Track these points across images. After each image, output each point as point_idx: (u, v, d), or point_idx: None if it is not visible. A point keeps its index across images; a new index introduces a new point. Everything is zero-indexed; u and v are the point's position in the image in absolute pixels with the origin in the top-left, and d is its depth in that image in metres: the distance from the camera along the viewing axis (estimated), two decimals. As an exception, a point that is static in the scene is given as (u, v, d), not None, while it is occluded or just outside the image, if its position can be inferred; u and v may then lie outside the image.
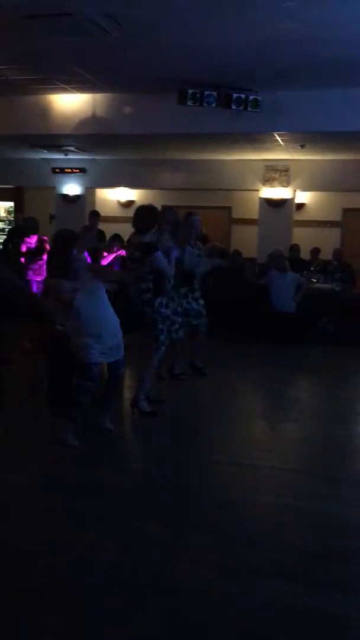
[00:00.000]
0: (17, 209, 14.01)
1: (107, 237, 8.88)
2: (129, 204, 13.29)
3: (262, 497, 3.62)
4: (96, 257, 7.67)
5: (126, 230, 6.34)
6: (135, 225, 5.06)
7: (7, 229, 12.30)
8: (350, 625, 2.45)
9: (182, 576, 2.75)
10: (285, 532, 3.21)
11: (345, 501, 3.62)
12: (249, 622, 2.44)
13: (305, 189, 11.90)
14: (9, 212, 14.63)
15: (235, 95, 7.28)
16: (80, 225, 9.14)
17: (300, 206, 12.50)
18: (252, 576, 2.77)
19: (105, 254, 7.99)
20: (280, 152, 10.32)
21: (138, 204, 12.07)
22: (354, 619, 2.48)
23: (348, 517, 3.40)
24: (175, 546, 3.01)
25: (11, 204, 14.45)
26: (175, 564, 2.85)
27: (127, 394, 5.47)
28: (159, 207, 5.51)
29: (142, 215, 5.06)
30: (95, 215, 10.09)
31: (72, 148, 10.66)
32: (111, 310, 4.37)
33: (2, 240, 10.63)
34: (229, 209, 13.15)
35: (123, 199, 13.47)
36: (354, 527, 3.29)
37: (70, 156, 11.60)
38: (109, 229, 9.58)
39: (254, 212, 11.88)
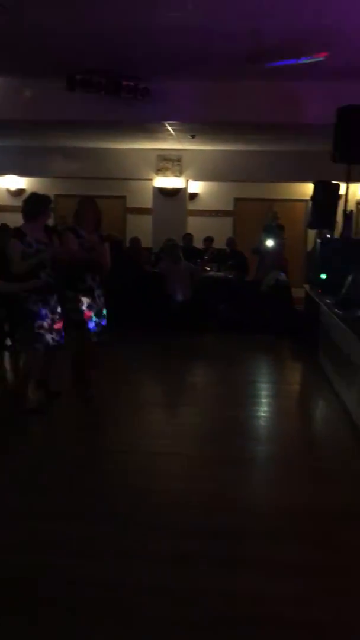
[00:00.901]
0: None
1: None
2: (20, 192, 12.86)
3: (161, 483, 3.68)
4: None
5: (17, 221, 6.13)
6: (22, 212, 4.95)
7: None
8: (239, 600, 2.55)
9: (82, 567, 2.74)
10: (183, 515, 3.27)
11: (241, 481, 3.76)
12: (143, 607, 2.48)
13: (198, 178, 12.09)
14: None
15: (124, 83, 7.23)
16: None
17: (194, 196, 12.69)
18: (150, 561, 2.81)
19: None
20: (172, 142, 10.40)
21: (29, 192, 11.71)
22: (249, 593, 2.59)
23: (244, 497, 3.53)
24: (75, 538, 2.99)
25: None
26: (76, 557, 2.83)
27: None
28: (52, 196, 5.37)
29: (30, 203, 4.94)
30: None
31: None
32: None
33: None
34: (123, 198, 13.10)
35: (13, 188, 13.01)
36: (249, 506, 3.42)
37: None
38: (-2, 219, 9.22)
39: (148, 201, 11.91)
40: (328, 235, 8.74)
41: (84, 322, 5.11)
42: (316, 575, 2.71)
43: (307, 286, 8.43)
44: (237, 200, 13.02)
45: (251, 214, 12.34)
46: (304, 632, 2.33)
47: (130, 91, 7.29)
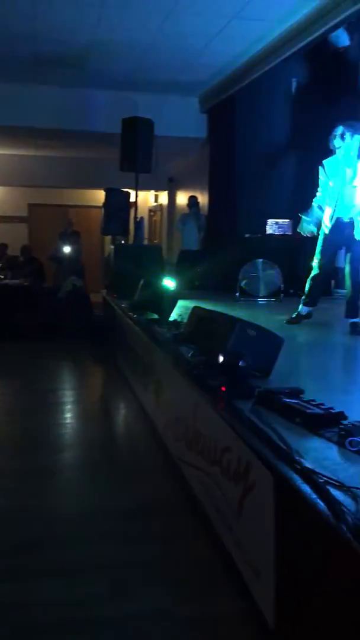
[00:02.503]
0: None
1: None
2: None
3: None
4: None
5: None
6: None
7: None
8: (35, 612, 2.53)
9: None
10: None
11: (43, 491, 3.70)
12: None
13: (-13, 183, 11.65)
14: None
15: None
16: None
17: (-16, 201, 12.21)
18: None
19: None
20: None
21: None
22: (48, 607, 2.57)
23: (46, 506, 3.49)
24: None
25: None
26: None
27: None
28: None
29: None
30: None
31: None
32: None
33: None
34: None
35: None
36: (50, 515, 3.39)
37: None
38: None
39: None
40: (122, 242, 9.02)
41: None
42: (123, 571, 2.79)
43: (104, 291, 8.61)
44: (32, 205, 12.80)
45: (47, 220, 12.22)
46: (113, 630, 2.39)
47: None
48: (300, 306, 5.49)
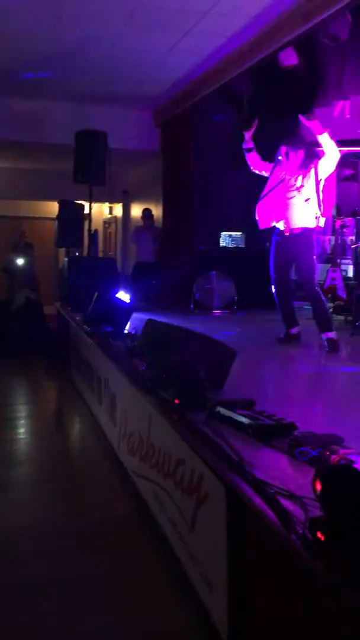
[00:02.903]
0: None
1: None
2: None
3: None
4: None
5: None
6: None
7: None
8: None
9: None
10: None
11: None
12: None
13: None
14: None
15: None
16: None
17: None
18: None
19: None
20: None
21: None
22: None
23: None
24: None
25: None
26: None
27: None
28: None
29: None
30: None
31: None
32: None
33: None
34: None
35: None
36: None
37: None
38: None
39: None
40: (77, 254, 8.97)
41: None
42: (75, 586, 2.74)
43: (58, 304, 8.52)
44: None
45: (-1, 231, 12.04)
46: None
47: None
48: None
